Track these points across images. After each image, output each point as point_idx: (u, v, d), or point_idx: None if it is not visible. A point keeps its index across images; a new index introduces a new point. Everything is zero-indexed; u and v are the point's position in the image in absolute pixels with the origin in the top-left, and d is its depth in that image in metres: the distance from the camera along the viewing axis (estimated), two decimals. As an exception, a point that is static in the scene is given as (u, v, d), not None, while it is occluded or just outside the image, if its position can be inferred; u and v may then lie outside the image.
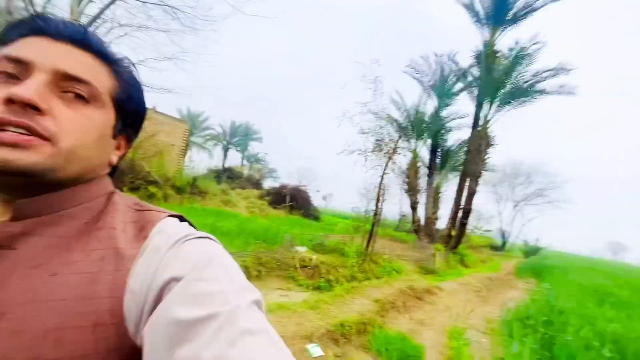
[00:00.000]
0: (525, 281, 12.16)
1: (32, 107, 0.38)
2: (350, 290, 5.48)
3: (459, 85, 16.77)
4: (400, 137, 9.38)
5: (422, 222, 17.16)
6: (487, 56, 14.05)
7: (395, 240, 14.70)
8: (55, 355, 0.34)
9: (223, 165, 34.20)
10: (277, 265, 5.42)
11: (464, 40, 16.75)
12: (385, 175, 8.17)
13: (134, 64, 0.51)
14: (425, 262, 9.80)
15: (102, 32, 8.17)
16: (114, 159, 0.51)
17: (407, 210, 19.13)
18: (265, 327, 0.34)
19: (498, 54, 14.03)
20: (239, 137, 41.12)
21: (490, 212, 35.86)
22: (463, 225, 14.92)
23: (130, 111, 0.50)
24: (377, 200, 8.23)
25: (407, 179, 16.78)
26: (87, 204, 0.45)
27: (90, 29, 0.47)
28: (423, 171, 18.15)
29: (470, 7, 14.67)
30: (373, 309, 4.71)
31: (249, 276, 4.50)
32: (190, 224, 0.51)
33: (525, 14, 13.61)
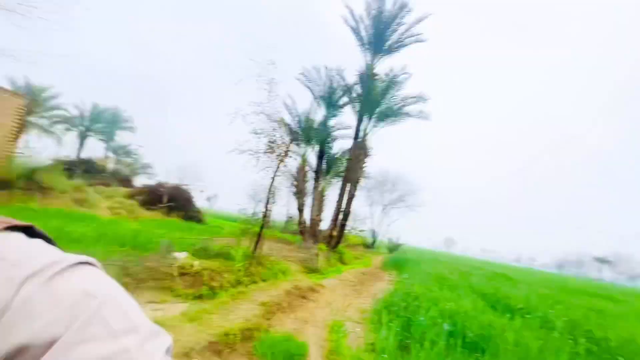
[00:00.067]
0: (389, 274, 14.27)
1: None
2: (236, 295, 5.23)
3: (345, 99, 18.52)
4: (291, 141, 9.63)
5: (308, 223, 18.04)
6: (368, 77, 15.99)
7: (281, 242, 14.95)
8: None
9: (78, 156, 27.78)
10: (150, 275, 4.69)
11: (353, 57, 18.65)
12: (275, 178, 8.20)
13: None
14: (310, 262, 10.29)
15: None
16: None
17: (294, 212, 19.83)
18: None
19: (377, 77, 16.16)
20: (103, 123, 34.25)
21: (364, 214, 40.86)
22: (343, 226, 16.41)
23: None
24: (267, 202, 8.18)
25: (295, 182, 17.37)
26: None
27: None
28: (310, 175, 19.17)
29: (356, 31, 16.45)
30: (259, 313, 4.60)
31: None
32: (48, 240, 0.32)
33: (398, 47, 16.17)
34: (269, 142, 8.46)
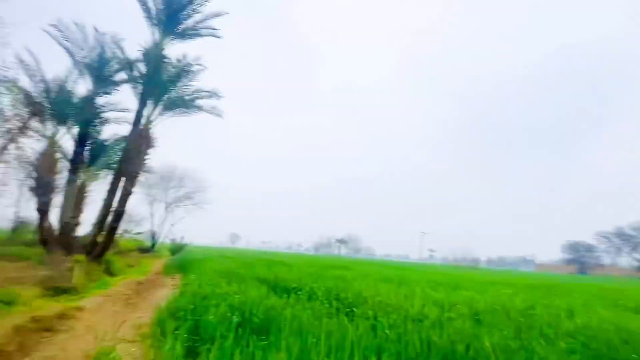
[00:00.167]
0: (173, 277, 13.06)
1: None
2: None
3: (123, 75, 15.31)
4: (31, 115, 6.83)
5: (57, 229, 13.48)
6: (156, 57, 13.98)
7: (4, 259, 10.31)
8: None
9: None
10: None
11: (136, 28, 15.42)
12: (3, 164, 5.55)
13: None
14: (60, 280, 7.71)
15: None
16: None
17: (32, 214, 14.21)
18: None
19: (166, 60, 14.40)
20: None
21: (142, 214, 35.40)
22: (113, 229, 13.48)
23: None
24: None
25: (36, 173, 12.52)
26: None
27: None
28: (64, 165, 14.41)
29: (142, 1, 13.98)
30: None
31: None
32: None
33: (192, 35, 15.14)
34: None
